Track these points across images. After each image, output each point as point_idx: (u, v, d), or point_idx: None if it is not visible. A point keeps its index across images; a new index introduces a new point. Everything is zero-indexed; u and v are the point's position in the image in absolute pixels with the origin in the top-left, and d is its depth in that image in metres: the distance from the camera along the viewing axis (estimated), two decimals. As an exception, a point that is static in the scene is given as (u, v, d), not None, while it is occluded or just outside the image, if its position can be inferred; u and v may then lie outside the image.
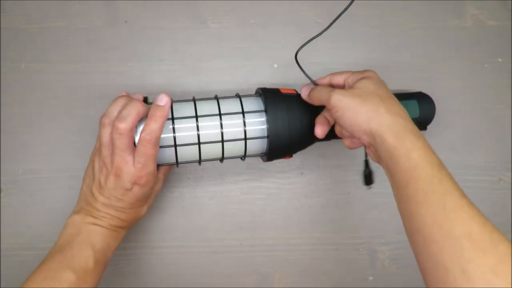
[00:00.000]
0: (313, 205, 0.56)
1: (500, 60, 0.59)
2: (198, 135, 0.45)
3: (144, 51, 0.57)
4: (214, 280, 0.55)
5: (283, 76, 0.58)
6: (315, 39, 0.47)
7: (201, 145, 0.45)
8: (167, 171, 0.51)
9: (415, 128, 0.41)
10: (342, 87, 0.47)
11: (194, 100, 0.47)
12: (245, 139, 0.46)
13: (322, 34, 0.47)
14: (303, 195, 0.56)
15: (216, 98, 0.48)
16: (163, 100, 0.43)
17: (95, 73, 0.57)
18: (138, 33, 0.57)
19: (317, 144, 0.56)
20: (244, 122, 0.46)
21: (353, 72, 0.47)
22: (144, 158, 0.42)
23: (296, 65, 0.48)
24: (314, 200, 0.56)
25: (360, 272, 0.56)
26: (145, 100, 0.47)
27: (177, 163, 0.47)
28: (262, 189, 0.56)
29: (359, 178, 0.57)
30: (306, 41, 0.47)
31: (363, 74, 0.45)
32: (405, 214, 0.39)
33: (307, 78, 0.48)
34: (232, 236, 0.56)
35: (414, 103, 0.52)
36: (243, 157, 0.48)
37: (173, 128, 0.45)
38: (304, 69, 0.47)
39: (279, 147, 0.46)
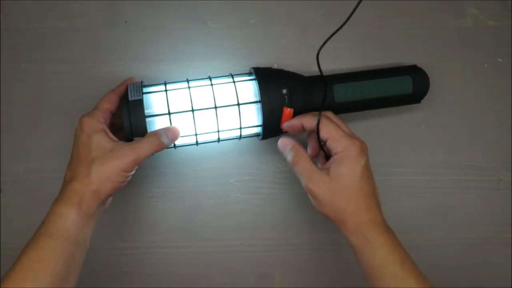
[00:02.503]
0: (313, 205, 0.56)
1: (500, 60, 0.59)
2: (191, 102, 0.47)
3: (144, 51, 0.57)
4: (214, 280, 0.55)
5: (283, 76, 0.58)
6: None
7: (195, 115, 0.47)
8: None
9: (380, 220, 0.44)
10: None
11: (187, 80, 0.49)
12: (238, 104, 0.47)
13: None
14: (303, 195, 0.56)
15: (209, 78, 0.50)
16: None
17: (95, 73, 0.57)
18: (138, 33, 0.57)
19: (317, 144, 0.56)
20: (235, 88, 0.48)
21: (337, 138, 0.45)
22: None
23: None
24: (314, 200, 0.56)
25: (360, 272, 0.56)
26: (141, 83, 0.49)
27: (174, 145, 0.48)
28: (262, 189, 0.56)
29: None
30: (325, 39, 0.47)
31: (344, 151, 0.44)
32: None
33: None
34: (232, 236, 0.56)
35: (407, 79, 0.52)
36: (239, 135, 0.49)
37: (167, 99, 0.47)
38: (320, 70, 0.48)
39: (273, 113, 0.47)
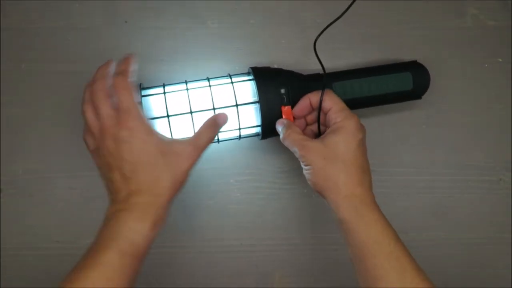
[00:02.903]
0: (313, 205, 0.56)
1: (500, 60, 0.59)
2: (190, 104, 0.47)
3: (144, 51, 0.57)
4: (214, 280, 0.55)
5: (283, 76, 0.58)
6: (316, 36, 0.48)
7: (194, 117, 0.46)
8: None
9: (372, 198, 0.43)
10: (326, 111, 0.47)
11: (186, 82, 0.49)
12: (236, 105, 0.47)
13: (322, 34, 0.47)
14: (303, 195, 0.56)
15: (207, 79, 0.50)
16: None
17: (95, 73, 0.57)
18: (138, 33, 0.57)
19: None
20: (234, 89, 0.48)
21: (338, 109, 0.46)
22: None
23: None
24: (314, 200, 0.56)
25: (360, 272, 0.56)
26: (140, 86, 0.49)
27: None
28: (262, 189, 0.56)
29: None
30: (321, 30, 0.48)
31: (343, 121, 0.45)
32: (362, 283, 0.41)
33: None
34: (232, 236, 0.56)
35: (407, 76, 0.52)
36: (239, 135, 0.49)
37: (165, 101, 0.47)
38: (320, 60, 0.48)
39: (271, 112, 0.47)
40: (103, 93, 0.42)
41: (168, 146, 0.42)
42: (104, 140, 0.41)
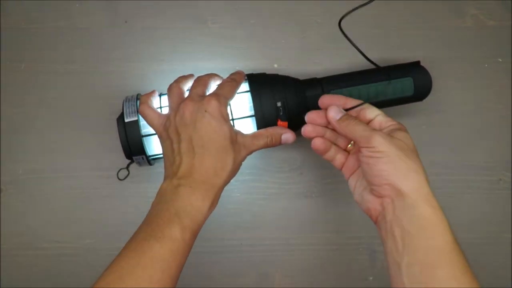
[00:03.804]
0: (313, 205, 0.56)
1: (500, 60, 0.59)
2: None
3: (144, 51, 0.57)
4: (214, 280, 0.55)
5: (283, 76, 0.58)
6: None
7: None
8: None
9: None
10: (366, 122, 0.44)
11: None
12: (232, 119, 0.47)
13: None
14: (303, 195, 0.56)
15: None
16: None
17: (95, 73, 0.57)
18: (138, 33, 0.57)
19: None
20: (230, 105, 0.47)
21: (384, 115, 0.44)
22: None
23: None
24: (314, 200, 0.56)
25: (360, 272, 0.56)
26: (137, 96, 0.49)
27: None
28: (262, 189, 0.56)
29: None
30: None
31: (397, 125, 0.43)
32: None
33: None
34: (232, 236, 0.56)
35: (409, 81, 0.50)
36: None
37: (160, 109, 0.47)
38: (350, 40, 0.47)
39: (267, 125, 0.47)
40: (205, 81, 0.46)
41: (234, 134, 0.43)
42: (184, 109, 0.43)
